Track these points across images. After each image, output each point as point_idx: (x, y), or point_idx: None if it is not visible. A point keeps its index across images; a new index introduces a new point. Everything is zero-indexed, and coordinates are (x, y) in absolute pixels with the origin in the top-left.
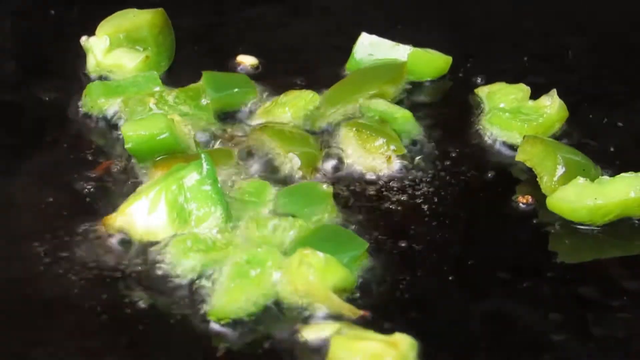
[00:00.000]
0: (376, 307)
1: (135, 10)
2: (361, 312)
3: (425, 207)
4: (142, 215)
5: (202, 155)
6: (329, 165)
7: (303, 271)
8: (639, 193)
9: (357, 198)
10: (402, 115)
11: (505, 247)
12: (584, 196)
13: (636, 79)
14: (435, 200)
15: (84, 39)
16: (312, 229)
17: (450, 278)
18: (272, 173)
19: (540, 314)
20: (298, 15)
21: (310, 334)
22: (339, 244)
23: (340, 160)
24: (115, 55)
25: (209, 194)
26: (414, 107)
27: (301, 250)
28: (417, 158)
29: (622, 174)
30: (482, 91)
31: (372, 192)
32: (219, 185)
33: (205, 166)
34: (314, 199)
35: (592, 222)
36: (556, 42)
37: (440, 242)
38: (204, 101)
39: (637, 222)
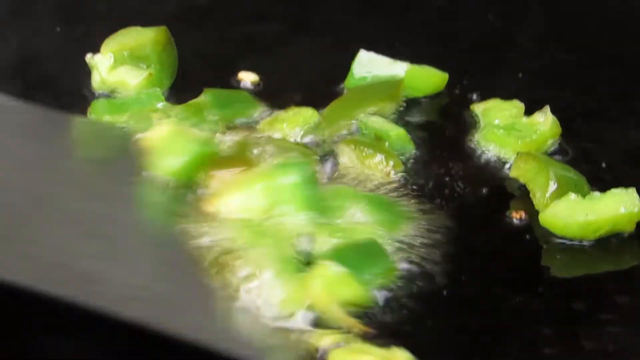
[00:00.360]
0: (372, 322)
1: (139, 28)
2: (364, 328)
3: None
4: (236, 205)
5: (309, 159)
6: (327, 179)
7: (315, 280)
8: (629, 208)
9: None
10: (397, 134)
11: (498, 262)
12: (576, 212)
13: (628, 95)
14: (430, 215)
15: (89, 57)
16: (350, 242)
17: (444, 293)
18: None
19: (533, 328)
20: (298, 33)
21: (312, 342)
22: (367, 258)
23: (339, 176)
24: (120, 72)
25: (305, 196)
26: (410, 123)
27: (321, 262)
28: (412, 174)
29: (613, 190)
30: (478, 107)
31: None
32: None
33: (308, 169)
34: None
35: (584, 238)
36: (550, 59)
37: (434, 257)
38: (207, 117)
39: (627, 237)
